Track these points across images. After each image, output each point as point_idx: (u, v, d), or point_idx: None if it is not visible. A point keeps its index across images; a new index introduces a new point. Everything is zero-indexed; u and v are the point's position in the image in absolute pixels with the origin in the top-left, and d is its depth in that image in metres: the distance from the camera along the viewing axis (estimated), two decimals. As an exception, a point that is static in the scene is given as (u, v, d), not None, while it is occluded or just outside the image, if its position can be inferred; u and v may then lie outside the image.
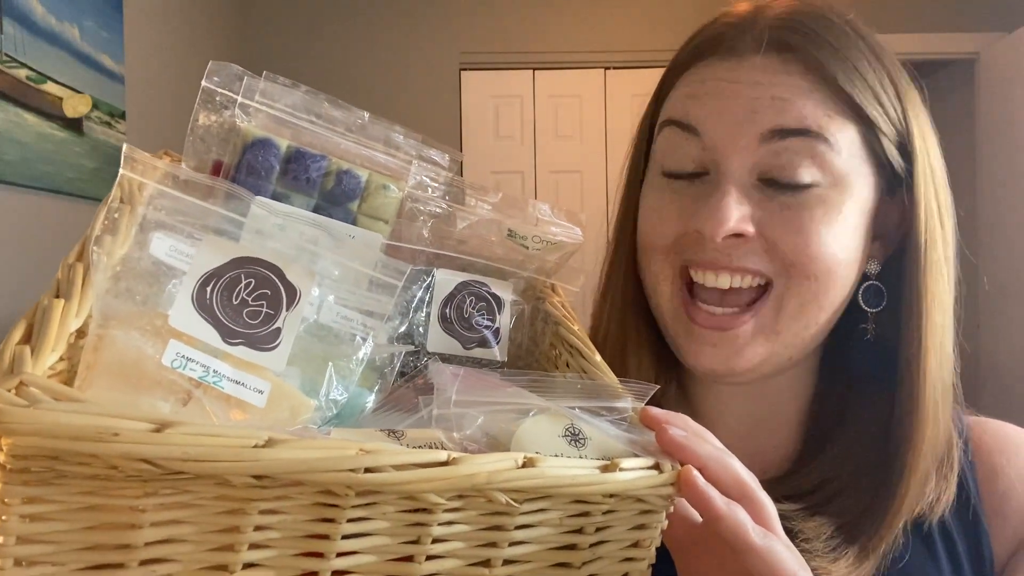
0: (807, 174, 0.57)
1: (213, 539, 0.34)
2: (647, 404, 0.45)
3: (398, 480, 0.33)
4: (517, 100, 3.79)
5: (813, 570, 0.53)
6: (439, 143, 0.57)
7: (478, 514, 0.37)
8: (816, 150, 0.56)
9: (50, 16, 2.15)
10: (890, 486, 0.58)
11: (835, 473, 0.61)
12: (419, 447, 0.38)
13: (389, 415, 0.45)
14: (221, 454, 0.31)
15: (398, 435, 0.39)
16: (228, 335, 0.41)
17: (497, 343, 0.56)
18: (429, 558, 0.37)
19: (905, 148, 0.60)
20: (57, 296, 0.39)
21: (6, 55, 1.96)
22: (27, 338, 0.36)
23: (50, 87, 2.16)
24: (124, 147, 0.44)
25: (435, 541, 0.37)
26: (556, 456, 0.39)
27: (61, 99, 2.21)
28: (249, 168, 0.50)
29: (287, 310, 0.42)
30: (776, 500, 0.46)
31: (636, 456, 0.40)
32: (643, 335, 0.67)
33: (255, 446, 0.31)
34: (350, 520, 0.35)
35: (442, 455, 0.34)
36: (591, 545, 0.40)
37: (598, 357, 0.51)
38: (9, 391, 0.30)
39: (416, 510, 0.36)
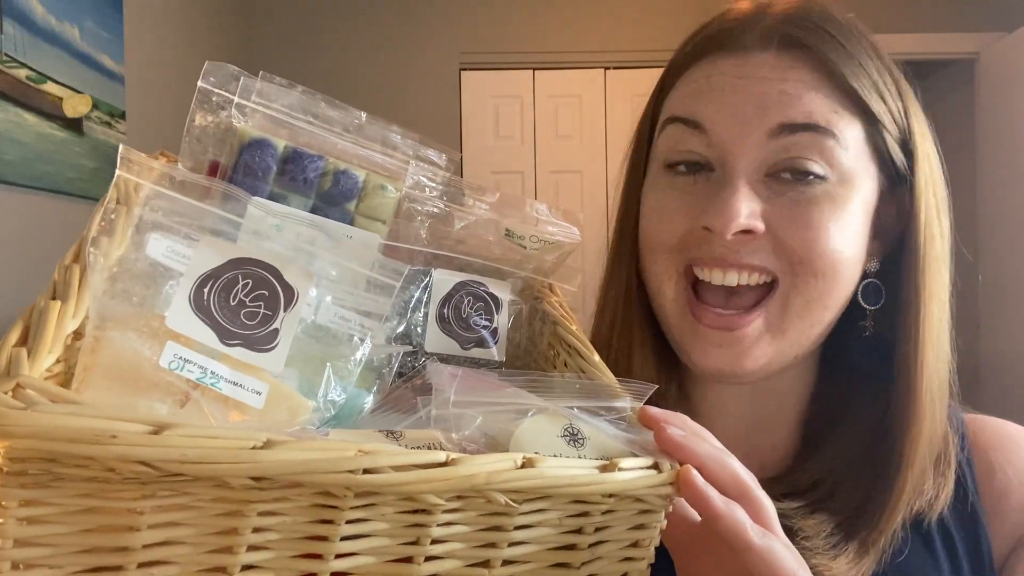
0: (816, 168, 0.57)
1: (211, 541, 0.34)
2: (645, 404, 0.44)
3: (397, 481, 0.33)
4: (517, 100, 3.79)
5: (814, 568, 0.53)
6: (437, 143, 0.57)
7: (477, 515, 0.37)
8: (824, 145, 0.56)
9: (50, 16, 2.15)
10: (887, 480, 0.58)
11: (833, 469, 0.61)
12: (418, 448, 0.38)
13: (387, 416, 0.45)
14: (219, 456, 0.31)
15: (397, 436, 0.39)
16: (226, 336, 0.41)
17: (495, 343, 0.55)
18: (428, 559, 0.37)
19: (907, 145, 0.60)
20: (53, 298, 0.39)
21: (6, 55, 1.96)
22: (23, 340, 0.36)
23: (50, 87, 2.16)
24: (120, 148, 0.44)
25: (434, 542, 0.37)
26: (555, 456, 0.39)
27: (61, 99, 2.21)
28: (246, 168, 0.50)
29: (285, 311, 0.42)
30: (775, 498, 0.46)
31: (635, 456, 0.39)
32: (644, 335, 0.67)
33: (253, 447, 0.31)
34: (349, 521, 0.35)
35: (441, 456, 0.34)
36: (590, 545, 0.40)
37: (596, 357, 0.51)
38: (6, 393, 0.30)
39: (415, 511, 0.36)
